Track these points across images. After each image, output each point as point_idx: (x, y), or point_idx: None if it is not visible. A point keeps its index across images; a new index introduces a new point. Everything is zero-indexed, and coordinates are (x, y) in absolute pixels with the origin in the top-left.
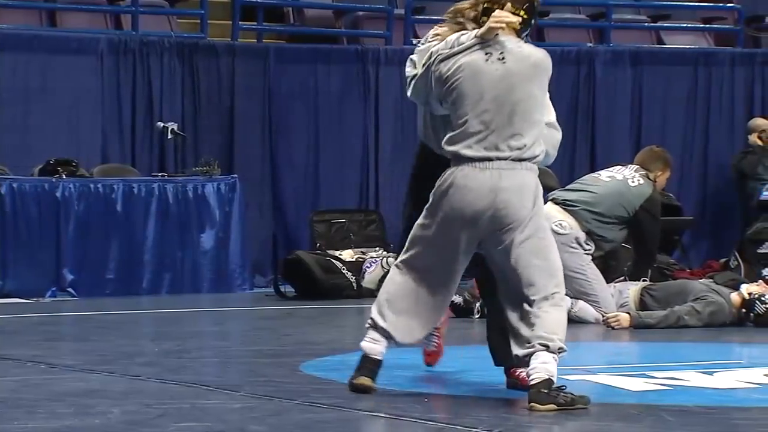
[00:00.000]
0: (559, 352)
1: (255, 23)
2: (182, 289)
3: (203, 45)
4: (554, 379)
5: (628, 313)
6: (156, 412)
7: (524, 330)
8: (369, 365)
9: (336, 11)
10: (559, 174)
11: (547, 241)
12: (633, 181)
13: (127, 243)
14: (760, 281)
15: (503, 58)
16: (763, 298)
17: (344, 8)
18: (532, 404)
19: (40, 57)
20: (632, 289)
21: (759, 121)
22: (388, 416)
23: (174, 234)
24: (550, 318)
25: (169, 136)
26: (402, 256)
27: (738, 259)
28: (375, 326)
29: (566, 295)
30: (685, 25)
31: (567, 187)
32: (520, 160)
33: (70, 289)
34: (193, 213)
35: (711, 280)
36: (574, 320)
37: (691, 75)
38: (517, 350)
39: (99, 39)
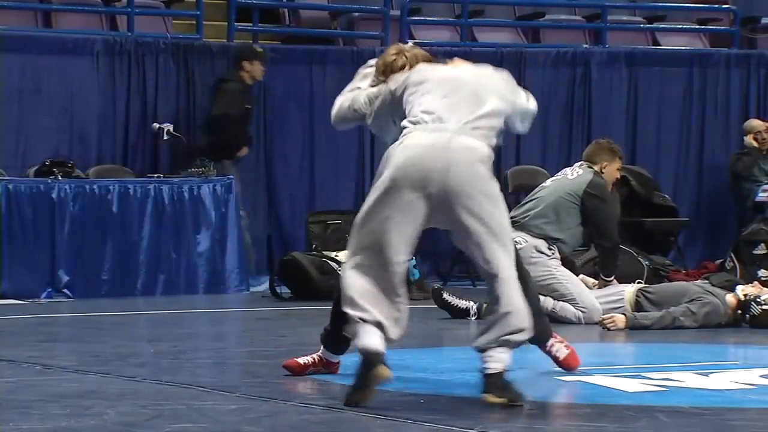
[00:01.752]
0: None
1: (250, 24)
2: (178, 290)
3: (199, 46)
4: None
5: (624, 314)
6: (151, 413)
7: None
8: (377, 358)
9: (332, 12)
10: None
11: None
12: (572, 174)
13: (122, 244)
14: (756, 282)
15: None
16: (758, 300)
17: (340, 9)
18: (487, 394)
19: (36, 58)
20: (628, 291)
21: (755, 123)
22: (384, 417)
23: (169, 235)
24: (523, 309)
25: (165, 137)
26: (354, 257)
27: (733, 260)
28: (365, 321)
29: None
30: (680, 26)
31: (512, 211)
32: (475, 128)
33: (65, 290)
34: (188, 214)
35: (706, 281)
36: (560, 320)
37: (686, 76)
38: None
39: (94, 40)
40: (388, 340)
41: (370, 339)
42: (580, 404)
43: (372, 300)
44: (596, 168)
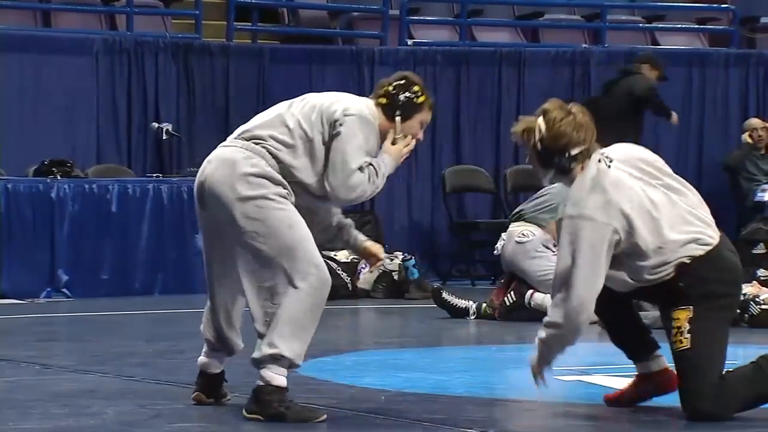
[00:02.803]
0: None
1: (249, 24)
2: (176, 290)
3: (198, 45)
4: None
5: None
6: (150, 412)
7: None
8: (202, 380)
9: (331, 12)
10: None
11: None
12: None
13: (121, 243)
14: (755, 282)
15: None
16: (757, 299)
17: (339, 9)
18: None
19: (35, 57)
20: None
21: (753, 121)
22: (383, 417)
23: (169, 234)
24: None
25: (164, 137)
26: None
27: None
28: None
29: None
30: (679, 25)
31: (521, 205)
32: (242, 138)
33: (64, 290)
34: (187, 213)
35: None
36: None
37: (685, 76)
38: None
39: (94, 39)
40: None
41: (203, 359)
42: (579, 404)
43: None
44: None
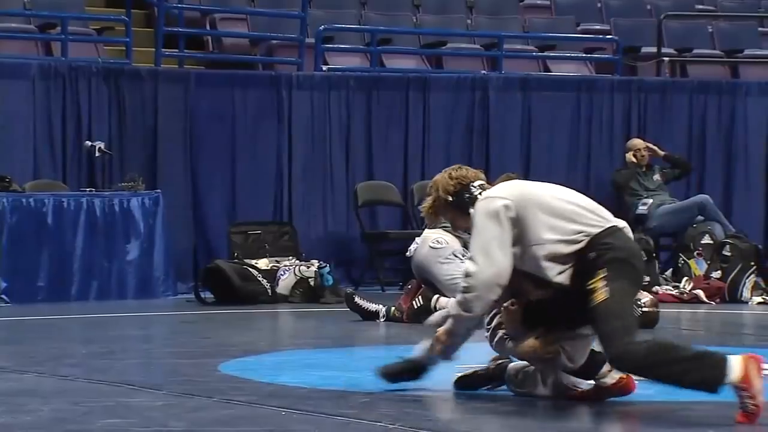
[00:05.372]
0: None
1: (177, 50)
2: (109, 296)
3: (128, 70)
4: None
5: None
6: (83, 409)
7: None
8: None
9: (252, 40)
10: None
11: None
12: None
13: (57, 253)
14: None
15: None
16: (638, 302)
17: (260, 37)
18: None
19: None
20: None
21: (635, 141)
22: (299, 411)
23: (101, 244)
24: None
25: (97, 154)
26: None
27: None
28: None
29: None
30: (569, 54)
31: None
32: None
33: (3, 296)
34: (119, 225)
35: None
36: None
37: (574, 100)
38: None
39: (31, 65)
40: None
41: None
42: (482, 396)
43: None
44: None
